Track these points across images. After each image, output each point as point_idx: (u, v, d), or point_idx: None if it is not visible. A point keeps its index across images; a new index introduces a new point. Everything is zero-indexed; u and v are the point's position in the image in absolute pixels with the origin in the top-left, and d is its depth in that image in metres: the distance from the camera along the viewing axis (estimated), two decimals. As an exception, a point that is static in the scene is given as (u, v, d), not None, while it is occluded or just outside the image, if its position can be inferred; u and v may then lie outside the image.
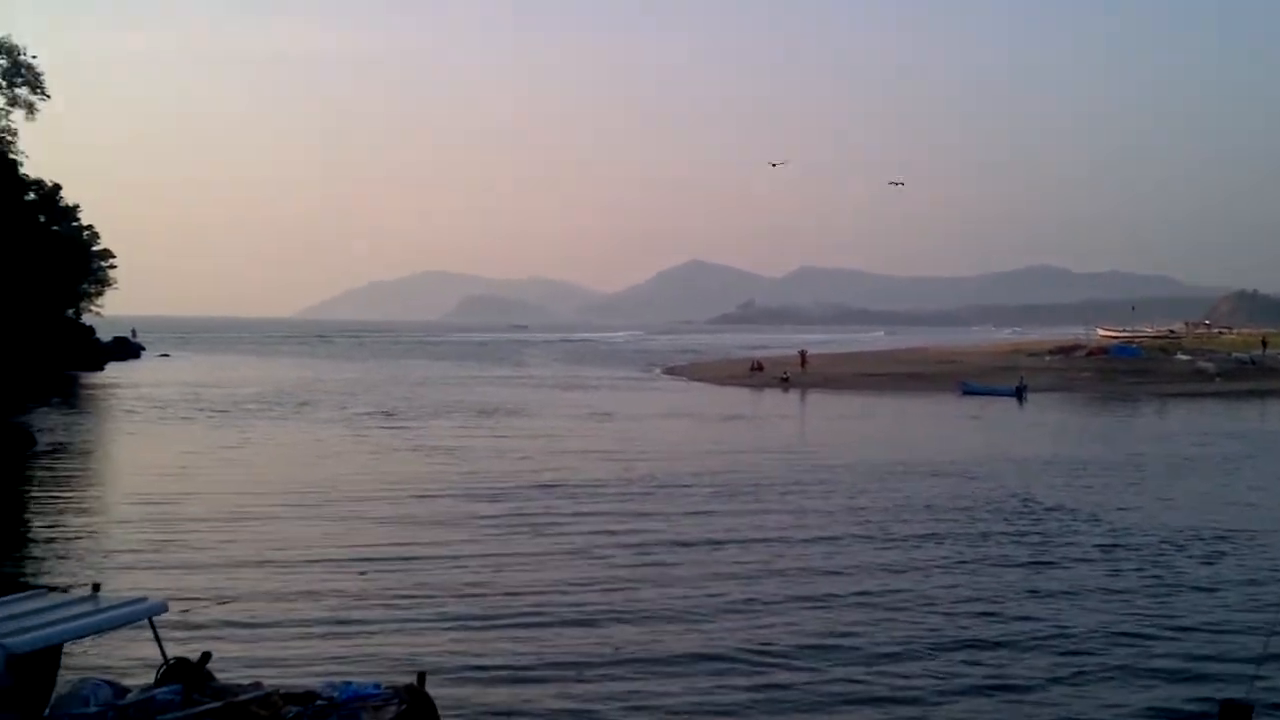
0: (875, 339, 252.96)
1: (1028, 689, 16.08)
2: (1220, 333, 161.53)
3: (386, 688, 10.78)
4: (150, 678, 11.05)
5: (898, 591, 21.72)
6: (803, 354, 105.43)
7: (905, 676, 16.48)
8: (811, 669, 16.80)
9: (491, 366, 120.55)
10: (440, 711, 11.31)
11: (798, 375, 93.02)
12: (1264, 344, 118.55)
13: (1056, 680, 16.44)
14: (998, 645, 18.09)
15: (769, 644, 17.94)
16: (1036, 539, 27.05)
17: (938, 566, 24.07)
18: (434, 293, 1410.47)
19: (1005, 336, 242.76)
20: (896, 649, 17.83)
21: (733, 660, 17.16)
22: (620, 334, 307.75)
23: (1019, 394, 77.98)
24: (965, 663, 17.20)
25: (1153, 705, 15.53)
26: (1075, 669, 16.92)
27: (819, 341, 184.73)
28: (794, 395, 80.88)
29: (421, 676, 11.01)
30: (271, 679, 11.98)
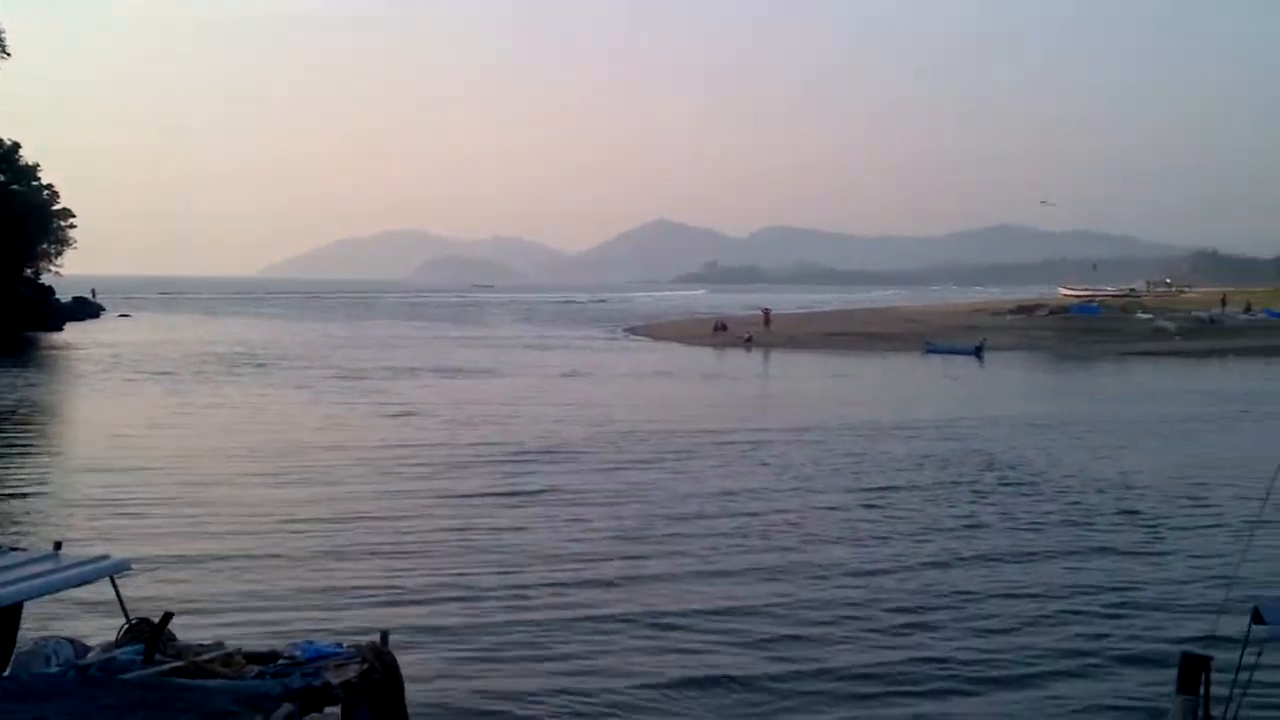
0: (836, 299, 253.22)
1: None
2: (1181, 291, 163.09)
3: (349, 646, 10.81)
4: (112, 637, 11.06)
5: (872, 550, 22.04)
6: (766, 313, 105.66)
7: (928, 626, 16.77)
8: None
9: (456, 326, 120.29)
10: (403, 670, 11.37)
11: (761, 335, 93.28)
12: (1223, 302, 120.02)
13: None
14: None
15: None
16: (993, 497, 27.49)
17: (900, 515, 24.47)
18: (400, 252, 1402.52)
19: (958, 296, 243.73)
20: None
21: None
22: (584, 294, 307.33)
23: (978, 353, 78.85)
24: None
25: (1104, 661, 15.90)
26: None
27: (783, 301, 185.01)
28: (757, 355, 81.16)
29: (384, 635, 11.05)
30: (234, 639, 12.01)
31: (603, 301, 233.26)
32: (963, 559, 21.37)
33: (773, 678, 14.94)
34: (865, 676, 15.10)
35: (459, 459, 32.42)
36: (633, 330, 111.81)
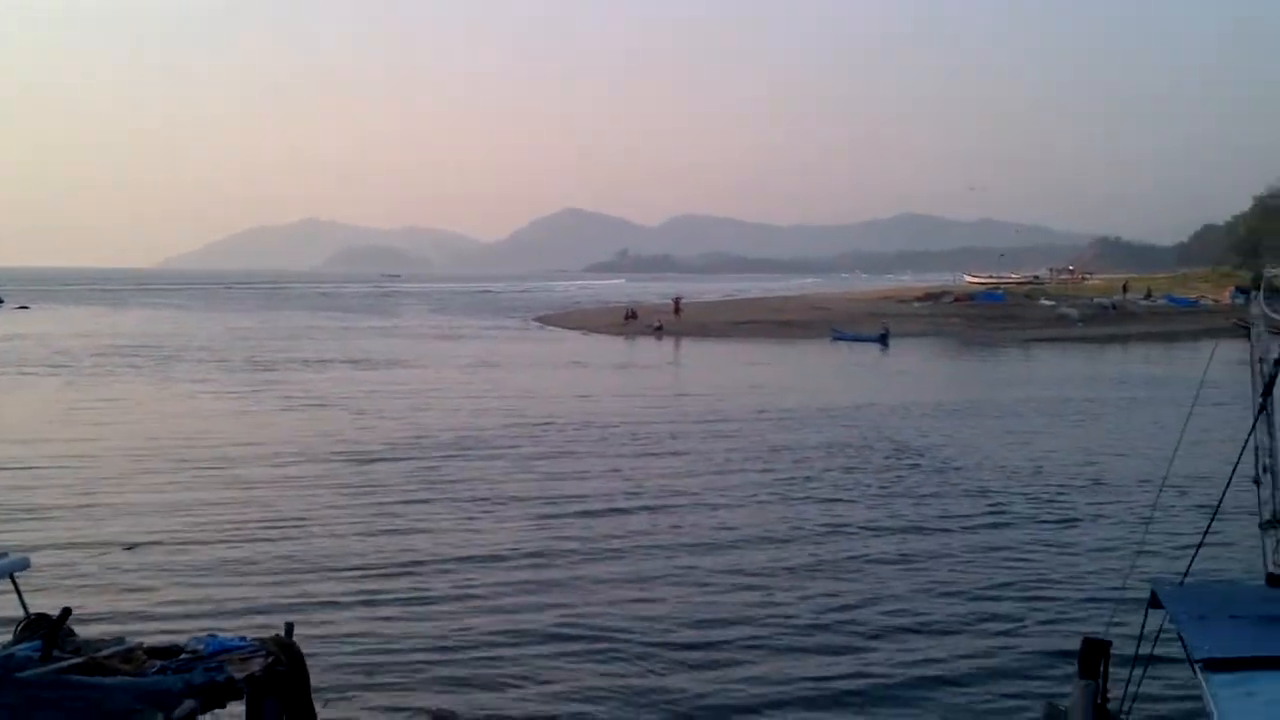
0: (756, 288, 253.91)
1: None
2: (1084, 278, 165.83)
3: (253, 640, 10.68)
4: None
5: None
6: (676, 302, 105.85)
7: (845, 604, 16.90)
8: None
9: (366, 317, 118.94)
10: (308, 663, 11.27)
11: (671, 323, 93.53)
12: (1124, 289, 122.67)
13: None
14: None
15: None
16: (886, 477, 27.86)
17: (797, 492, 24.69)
18: (311, 242, 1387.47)
19: (869, 284, 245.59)
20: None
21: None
22: (495, 283, 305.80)
23: (882, 340, 79.80)
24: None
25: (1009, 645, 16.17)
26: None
27: (702, 290, 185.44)
28: (668, 343, 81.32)
29: (289, 627, 10.93)
30: (136, 635, 11.83)
31: (523, 291, 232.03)
32: (871, 544, 21.65)
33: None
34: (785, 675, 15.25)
35: (370, 452, 31.90)
36: (543, 320, 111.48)
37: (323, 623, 16.20)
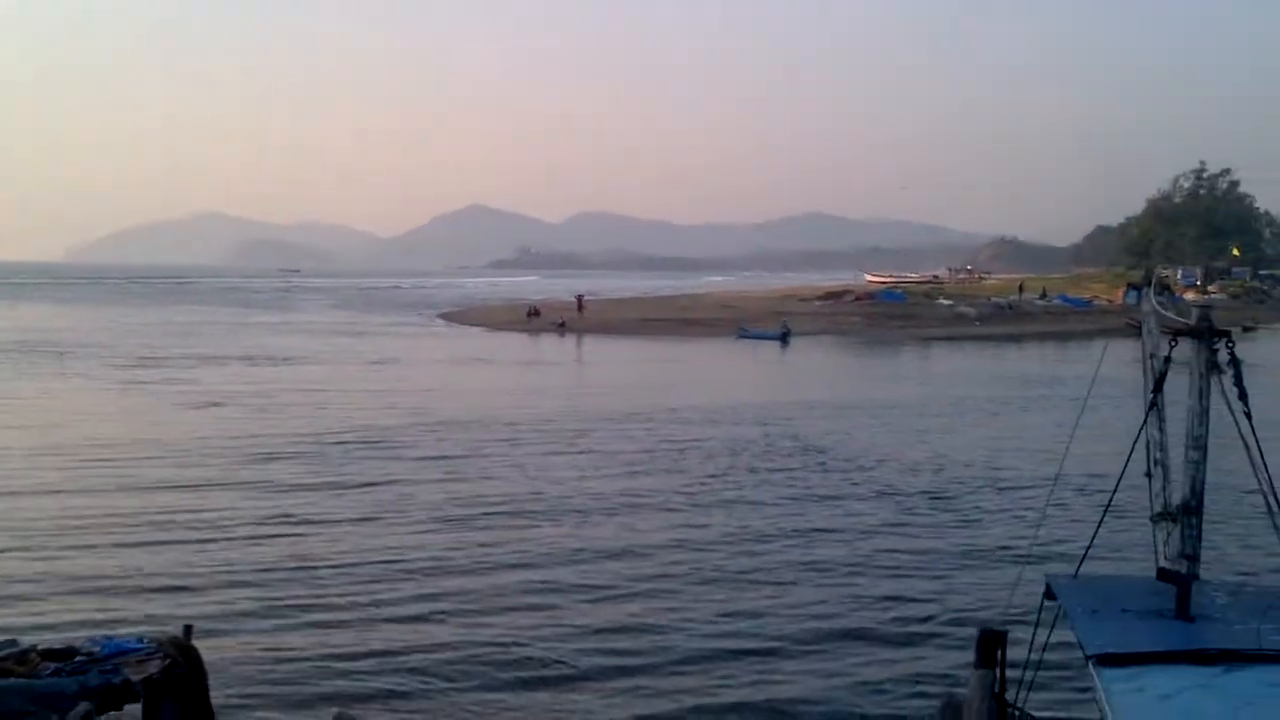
0: (669, 285, 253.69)
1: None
2: (981, 278, 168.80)
3: (150, 641, 10.52)
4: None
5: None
6: (580, 299, 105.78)
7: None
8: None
9: (266, 312, 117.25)
10: (207, 665, 11.12)
11: (574, 321, 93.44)
12: (1020, 289, 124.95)
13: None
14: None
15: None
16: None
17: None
18: (210, 236, 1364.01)
19: (773, 282, 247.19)
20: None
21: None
22: (396, 279, 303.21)
23: (783, 338, 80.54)
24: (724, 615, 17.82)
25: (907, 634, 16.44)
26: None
27: (619, 288, 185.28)
28: (570, 341, 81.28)
29: (188, 629, 10.79)
30: (30, 638, 11.60)
31: (426, 287, 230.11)
32: (777, 546, 21.84)
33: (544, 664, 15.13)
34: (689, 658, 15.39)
35: (267, 450, 31.41)
36: (447, 316, 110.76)
37: (216, 628, 15.92)
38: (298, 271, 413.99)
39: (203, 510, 23.73)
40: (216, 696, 10.74)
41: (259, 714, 13.38)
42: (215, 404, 41.53)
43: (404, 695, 14.06)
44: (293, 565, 19.55)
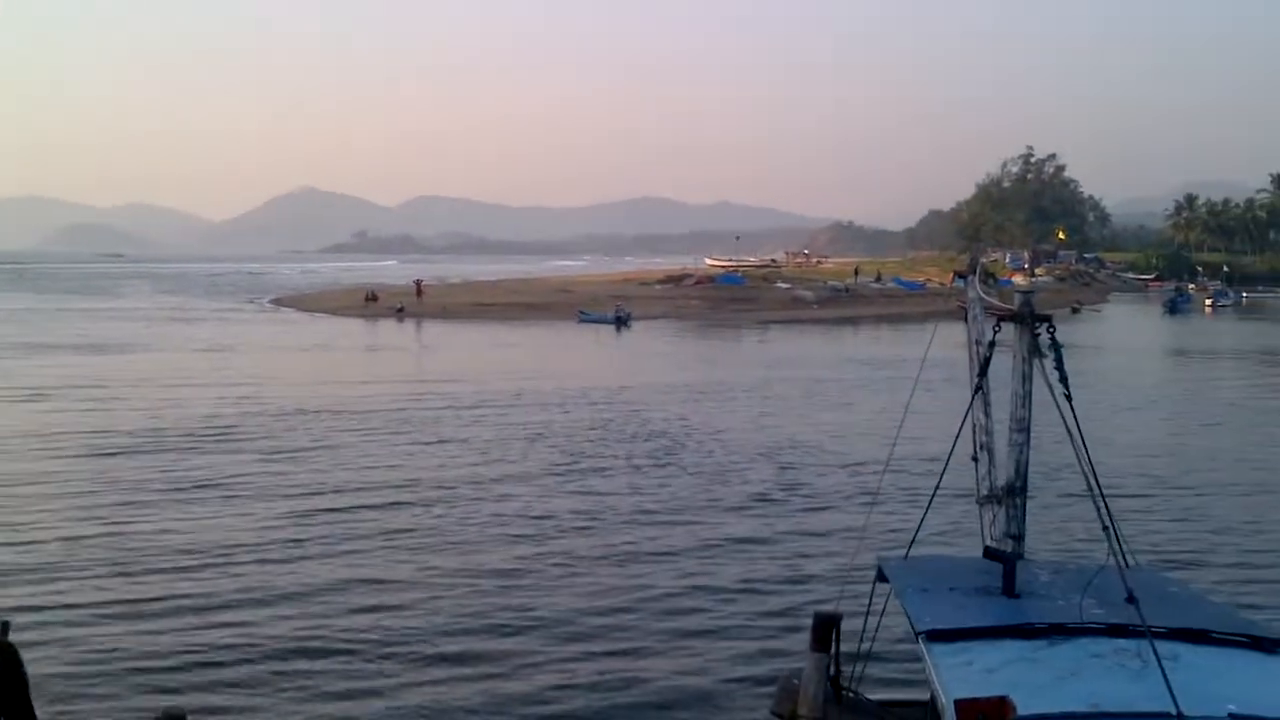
0: (519, 270, 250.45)
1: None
2: (819, 262, 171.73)
3: (-35, 641, 10.12)
4: None
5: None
6: (418, 284, 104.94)
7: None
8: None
9: (89, 299, 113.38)
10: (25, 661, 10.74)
11: (413, 306, 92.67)
12: (856, 272, 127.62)
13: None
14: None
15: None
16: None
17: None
18: (28, 220, 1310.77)
19: (611, 266, 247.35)
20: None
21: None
22: (228, 264, 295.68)
23: (618, 322, 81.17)
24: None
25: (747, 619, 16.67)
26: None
27: (471, 272, 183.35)
28: (409, 326, 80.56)
29: (5, 626, 10.40)
30: None
31: (248, 271, 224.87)
32: (632, 533, 22.01)
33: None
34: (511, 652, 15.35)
35: (105, 445, 30.21)
36: (281, 302, 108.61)
37: (41, 625, 15.44)
38: (122, 256, 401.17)
39: (33, 509, 22.98)
40: (38, 699, 10.41)
41: (82, 705, 13.03)
42: (39, 396, 40.05)
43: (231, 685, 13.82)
44: (135, 561, 18.99)
